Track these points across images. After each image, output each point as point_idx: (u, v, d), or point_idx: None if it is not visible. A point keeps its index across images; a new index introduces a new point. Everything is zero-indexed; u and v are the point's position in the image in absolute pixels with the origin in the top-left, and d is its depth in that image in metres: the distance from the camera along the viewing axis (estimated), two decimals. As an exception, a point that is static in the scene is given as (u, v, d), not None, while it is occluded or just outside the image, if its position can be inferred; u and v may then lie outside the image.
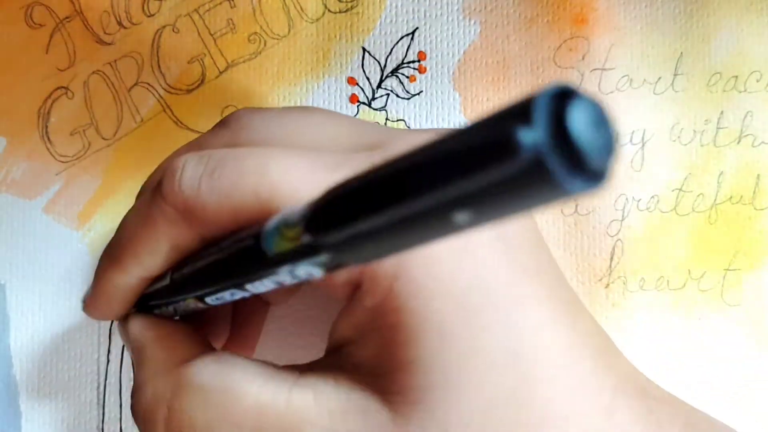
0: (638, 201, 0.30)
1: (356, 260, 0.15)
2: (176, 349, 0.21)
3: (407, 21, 0.30)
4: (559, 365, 0.18)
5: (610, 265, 0.29)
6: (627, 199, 0.29)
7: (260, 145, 0.21)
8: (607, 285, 0.29)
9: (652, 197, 0.30)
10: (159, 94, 0.30)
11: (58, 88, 0.30)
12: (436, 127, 0.30)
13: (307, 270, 0.16)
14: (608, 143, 0.11)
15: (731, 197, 0.30)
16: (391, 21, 0.30)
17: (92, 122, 0.30)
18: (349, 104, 0.30)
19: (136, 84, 0.30)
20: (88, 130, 0.30)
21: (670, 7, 0.30)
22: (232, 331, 0.26)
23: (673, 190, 0.30)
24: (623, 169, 0.30)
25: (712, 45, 0.30)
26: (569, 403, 0.18)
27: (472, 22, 0.30)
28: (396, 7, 0.30)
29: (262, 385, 0.20)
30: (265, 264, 0.17)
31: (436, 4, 0.30)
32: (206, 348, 0.22)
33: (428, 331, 0.18)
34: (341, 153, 0.20)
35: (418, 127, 0.30)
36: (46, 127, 0.30)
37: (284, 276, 0.17)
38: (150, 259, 0.21)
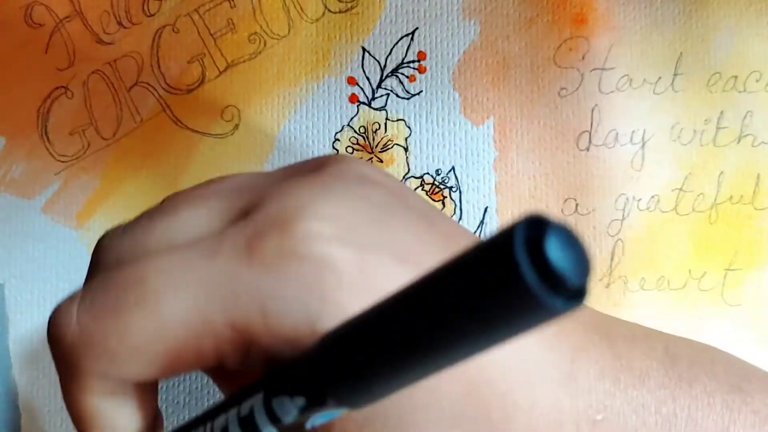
0: (638, 201, 0.29)
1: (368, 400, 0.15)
2: None
3: (407, 21, 0.30)
4: (507, 356, 0.18)
5: (611, 265, 0.29)
6: (627, 198, 0.29)
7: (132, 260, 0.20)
8: (608, 285, 0.29)
9: (653, 197, 0.30)
10: (159, 94, 0.30)
11: (57, 87, 0.30)
12: (435, 127, 0.30)
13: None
14: (583, 265, 0.12)
15: (731, 197, 0.30)
16: (391, 21, 0.30)
17: (92, 122, 0.30)
18: (349, 104, 0.30)
19: (135, 84, 0.30)
20: (88, 129, 0.30)
21: (669, 7, 0.30)
22: None
23: (673, 190, 0.30)
24: (623, 169, 0.30)
25: (711, 45, 0.30)
26: (528, 390, 0.18)
27: (472, 22, 0.30)
28: (396, 7, 0.30)
29: None
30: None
31: (436, 4, 0.30)
32: None
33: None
34: (215, 235, 0.19)
35: (417, 127, 0.30)
36: (46, 126, 0.30)
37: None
38: (107, 422, 0.20)
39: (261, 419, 0.17)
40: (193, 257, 0.18)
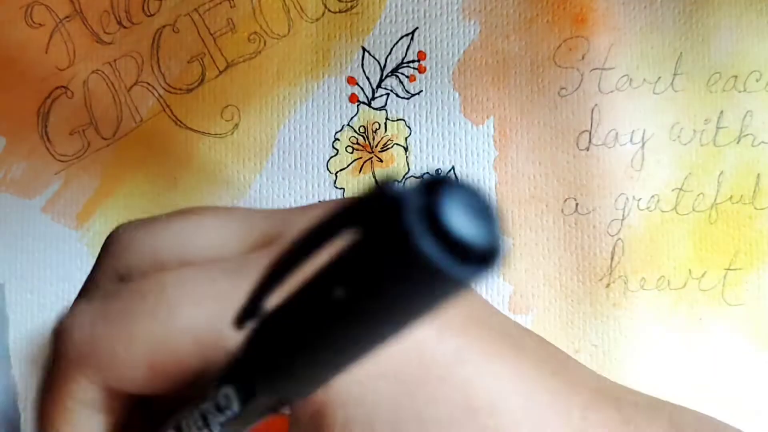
0: (638, 200, 0.29)
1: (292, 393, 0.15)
2: None
3: (407, 21, 0.30)
4: (518, 406, 0.18)
5: (611, 265, 0.29)
6: (627, 198, 0.29)
7: (151, 271, 0.20)
8: (608, 285, 0.29)
9: (653, 197, 0.30)
10: (159, 94, 0.30)
11: (57, 87, 0.30)
12: (435, 126, 0.30)
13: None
14: (489, 223, 0.10)
15: (731, 197, 0.30)
16: (391, 21, 0.30)
17: (92, 122, 0.30)
18: (349, 104, 0.30)
19: (135, 83, 0.30)
20: (88, 129, 0.30)
21: (669, 7, 0.30)
22: None
23: (673, 190, 0.30)
24: (623, 169, 0.30)
25: (711, 45, 0.30)
26: None
27: (472, 22, 0.30)
28: (396, 7, 0.30)
29: None
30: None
31: (436, 4, 0.30)
32: None
33: (376, 422, 0.18)
34: (239, 257, 0.19)
35: (417, 126, 0.30)
36: (46, 126, 0.30)
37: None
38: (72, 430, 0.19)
39: (211, 413, 0.17)
40: (215, 274, 0.18)
